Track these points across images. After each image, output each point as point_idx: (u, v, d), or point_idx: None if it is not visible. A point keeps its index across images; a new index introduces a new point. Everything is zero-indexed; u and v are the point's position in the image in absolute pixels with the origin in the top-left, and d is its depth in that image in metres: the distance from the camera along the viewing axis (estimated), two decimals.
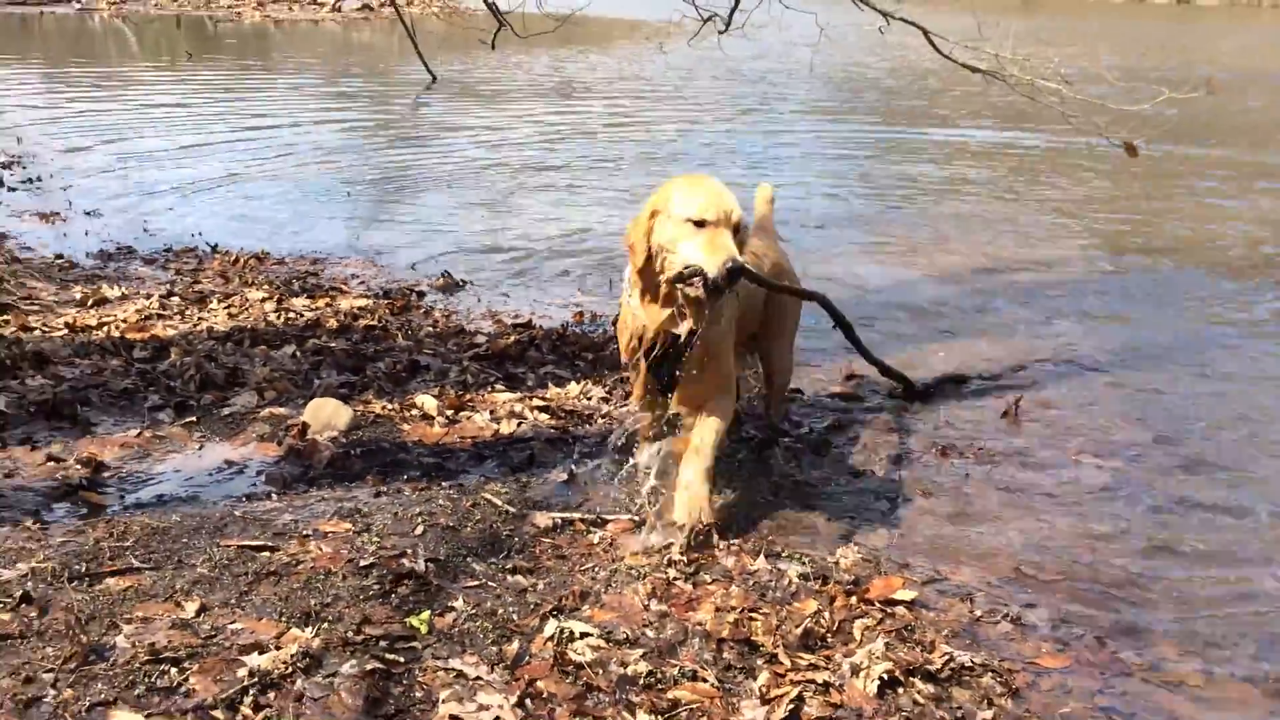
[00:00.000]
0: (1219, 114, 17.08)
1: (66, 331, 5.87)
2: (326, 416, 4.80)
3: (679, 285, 3.52)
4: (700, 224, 3.43)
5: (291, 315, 6.43)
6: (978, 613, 3.65)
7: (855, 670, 3.21)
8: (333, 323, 6.29)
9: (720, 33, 9.87)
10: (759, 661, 3.35)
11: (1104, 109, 8.46)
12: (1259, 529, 4.41)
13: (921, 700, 3.12)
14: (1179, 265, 8.61)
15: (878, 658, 3.23)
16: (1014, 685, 3.24)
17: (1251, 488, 4.77)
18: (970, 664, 3.30)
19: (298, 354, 5.70)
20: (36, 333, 5.82)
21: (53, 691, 2.85)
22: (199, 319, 6.24)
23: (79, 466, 4.35)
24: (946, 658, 3.30)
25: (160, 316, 6.24)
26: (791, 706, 3.08)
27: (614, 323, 4.29)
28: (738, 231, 3.50)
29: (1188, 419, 5.53)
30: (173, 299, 6.62)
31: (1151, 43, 32.04)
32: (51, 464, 4.36)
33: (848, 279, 8.02)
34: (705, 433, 4.00)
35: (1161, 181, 11.89)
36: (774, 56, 24.85)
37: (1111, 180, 11.85)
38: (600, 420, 5.24)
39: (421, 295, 7.30)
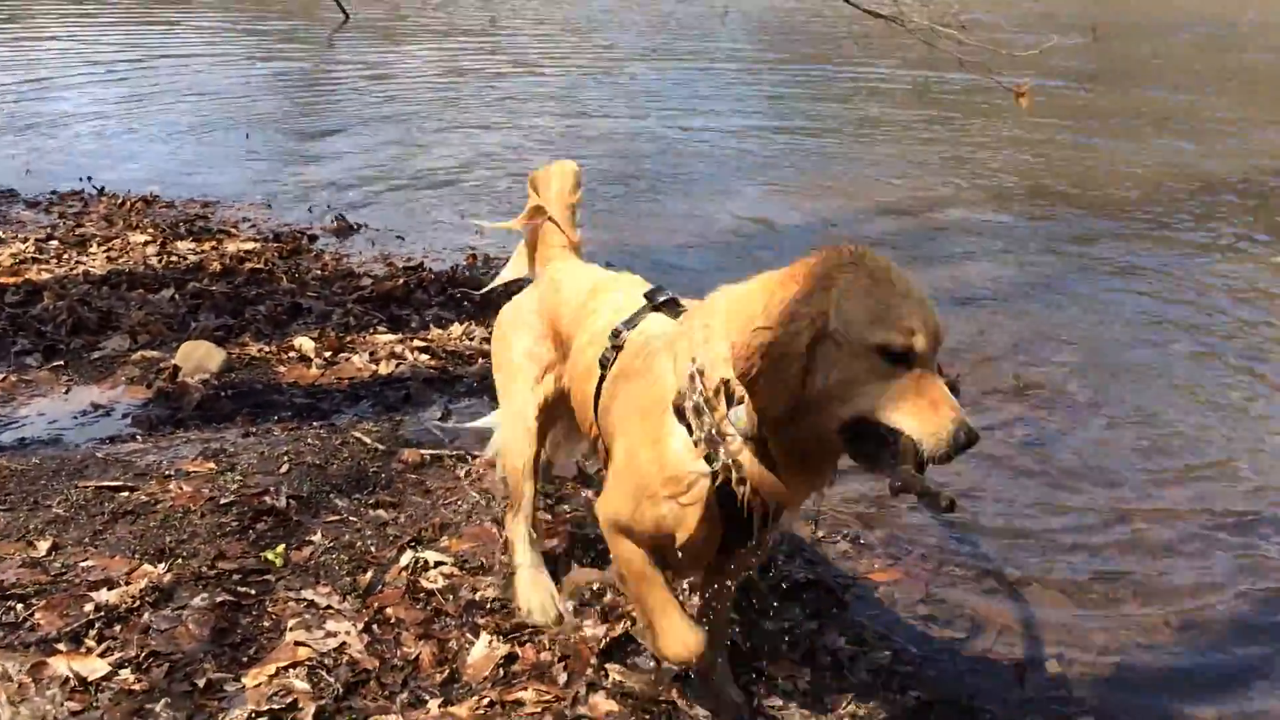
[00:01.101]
0: (1117, 59, 17.40)
1: None
2: (198, 359, 4.80)
3: (856, 456, 2.21)
4: (899, 357, 2.10)
5: (174, 259, 6.38)
6: (820, 534, 3.82)
7: (694, 588, 3.34)
8: (217, 266, 6.25)
9: None
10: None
11: (997, 55, 8.63)
12: (1082, 448, 4.66)
13: (754, 615, 3.28)
14: (1060, 207, 8.79)
15: None
16: (844, 599, 3.42)
17: (1072, 411, 5.04)
18: (804, 579, 3.46)
19: (176, 297, 5.68)
20: None
21: None
22: (76, 263, 6.17)
23: None
24: (783, 575, 3.46)
25: (36, 260, 6.15)
26: (628, 624, 3.22)
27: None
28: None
29: (1037, 352, 5.75)
30: (51, 243, 6.52)
31: None
32: None
33: (754, 217, 8.19)
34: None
35: (1056, 125, 12.08)
36: (702, 1, 24.71)
37: (1012, 123, 12.00)
38: (481, 360, 5.30)
39: (314, 239, 7.27)
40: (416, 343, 5.38)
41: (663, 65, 15.73)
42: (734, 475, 2.31)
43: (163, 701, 2.77)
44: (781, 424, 2.19)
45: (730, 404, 2.27)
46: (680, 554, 2.51)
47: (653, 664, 3.09)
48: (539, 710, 2.88)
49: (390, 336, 5.44)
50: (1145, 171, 9.76)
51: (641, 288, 2.89)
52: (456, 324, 5.67)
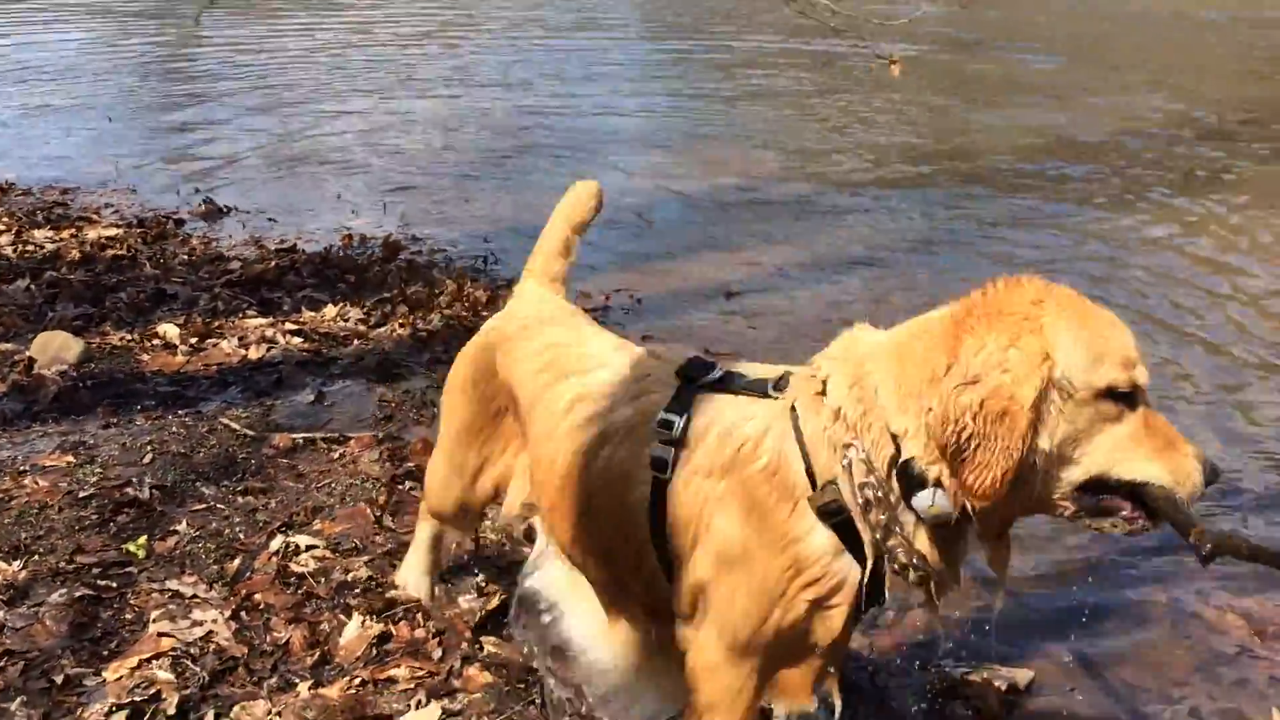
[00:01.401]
0: (989, 26, 17.86)
1: None
2: (55, 350, 4.63)
3: (1090, 517, 1.95)
4: (1124, 396, 1.88)
5: (30, 247, 6.13)
6: None
7: None
8: (76, 254, 6.02)
9: None
10: (482, 558, 3.48)
11: (869, 24, 8.77)
12: None
13: None
14: (939, 174, 8.93)
15: None
16: None
17: None
18: None
19: (31, 287, 5.47)
20: None
21: None
22: None
23: None
24: None
25: None
26: (503, 598, 3.23)
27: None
28: None
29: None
30: None
31: None
32: None
33: (639, 190, 8.20)
34: None
35: (933, 92, 12.35)
36: None
37: (891, 91, 12.14)
38: (357, 342, 5.22)
39: (181, 223, 7.06)
40: (289, 326, 5.27)
41: (544, 37, 15.60)
42: (913, 573, 2.00)
43: (18, 700, 2.70)
44: (998, 498, 1.84)
45: (911, 487, 1.93)
46: (817, 655, 2.15)
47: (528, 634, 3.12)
48: (412, 686, 2.88)
49: (261, 320, 5.33)
50: (1018, 136, 9.97)
51: (612, 348, 2.45)
52: (331, 305, 5.57)
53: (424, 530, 3.21)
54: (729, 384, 2.18)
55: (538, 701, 2.82)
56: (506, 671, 2.93)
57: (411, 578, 3.24)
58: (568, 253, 2.90)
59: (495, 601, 3.21)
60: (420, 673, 2.92)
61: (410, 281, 5.96)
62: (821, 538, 2.01)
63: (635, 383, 2.30)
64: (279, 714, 2.72)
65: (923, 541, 1.97)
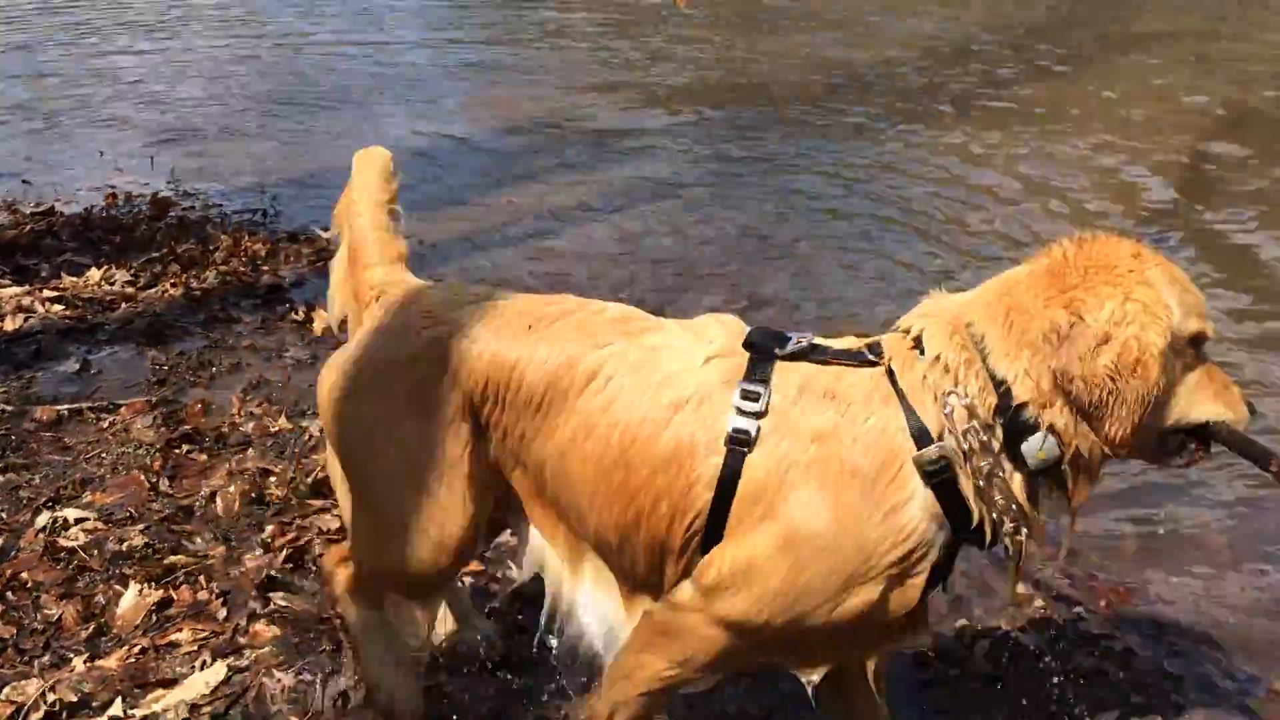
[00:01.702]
0: None
1: None
2: None
3: (1169, 456, 2.08)
4: (1198, 344, 2.01)
5: None
6: None
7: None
8: None
9: None
10: (268, 514, 3.43)
11: None
12: None
13: None
14: (728, 106, 8.96)
15: None
16: None
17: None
18: None
19: None
20: None
21: None
22: None
23: None
24: None
25: None
26: (293, 550, 3.20)
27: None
28: None
29: (751, 261, 6.01)
30: None
31: None
32: None
33: (423, 133, 8.01)
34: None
35: (720, 26, 12.50)
36: None
37: (679, 25, 12.15)
38: (125, 305, 4.97)
39: None
40: (47, 293, 4.97)
41: None
42: (1008, 522, 1.96)
43: None
44: (1130, 445, 1.95)
45: (1019, 433, 1.93)
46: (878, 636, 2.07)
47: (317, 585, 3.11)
48: (196, 648, 2.84)
49: (16, 289, 5.00)
50: (806, 68, 10.03)
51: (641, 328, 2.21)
52: (94, 269, 5.27)
53: (367, 616, 2.52)
54: (815, 355, 2.07)
55: (329, 649, 2.82)
56: (296, 624, 2.92)
57: (390, 680, 2.50)
58: (394, 230, 2.51)
59: (283, 557, 3.18)
60: (204, 634, 2.88)
61: (182, 239, 5.70)
62: (920, 502, 1.95)
63: (701, 347, 2.13)
64: (53, 689, 2.62)
65: (1019, 489, 1.96)
